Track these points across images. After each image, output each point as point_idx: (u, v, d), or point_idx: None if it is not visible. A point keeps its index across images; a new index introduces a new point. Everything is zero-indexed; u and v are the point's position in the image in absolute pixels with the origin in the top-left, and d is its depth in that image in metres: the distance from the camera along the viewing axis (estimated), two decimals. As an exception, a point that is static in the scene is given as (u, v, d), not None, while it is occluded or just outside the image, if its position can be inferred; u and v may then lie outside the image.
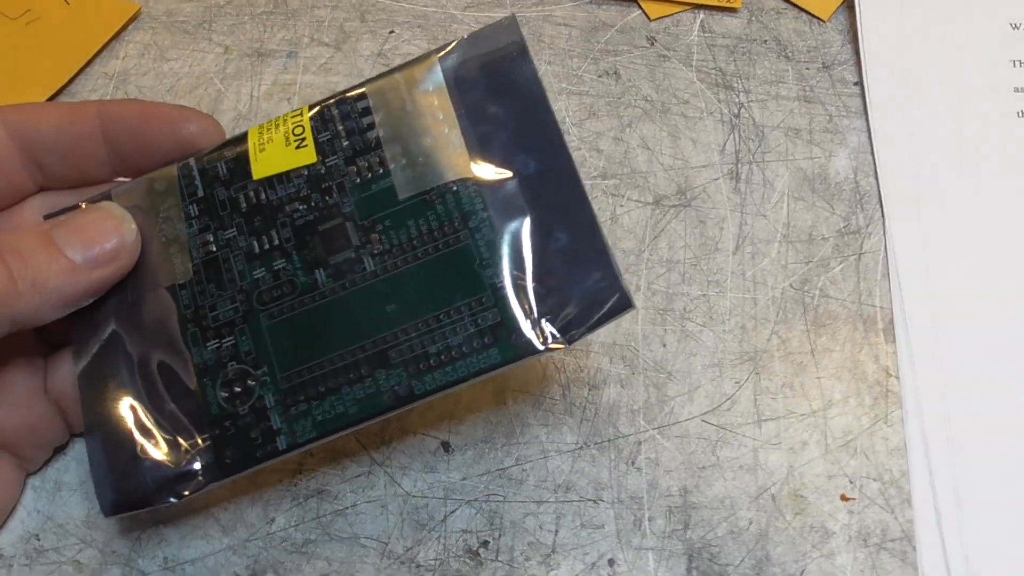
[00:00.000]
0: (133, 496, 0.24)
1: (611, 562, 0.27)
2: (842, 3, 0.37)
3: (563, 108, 0.35)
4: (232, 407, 0.24)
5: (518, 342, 0.23)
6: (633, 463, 0.28)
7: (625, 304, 0.22)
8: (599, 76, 0.36)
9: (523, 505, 0.27)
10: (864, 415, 0.29)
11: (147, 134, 0.26)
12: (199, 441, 0.24)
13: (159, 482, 0.23)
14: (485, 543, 0.27)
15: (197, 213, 0.25)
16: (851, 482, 0.28)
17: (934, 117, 0.34)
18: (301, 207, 0.25)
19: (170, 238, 0.25)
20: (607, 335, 0.30)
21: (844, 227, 0.32)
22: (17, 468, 0.27)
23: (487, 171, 0.24)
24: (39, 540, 0.27)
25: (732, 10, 0.37)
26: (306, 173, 0.25)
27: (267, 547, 0.27)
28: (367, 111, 0.25)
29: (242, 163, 0.26)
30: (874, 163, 0.33)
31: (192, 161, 0.26)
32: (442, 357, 0.23)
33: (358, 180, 0.25)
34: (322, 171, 0.25)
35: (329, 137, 0.25)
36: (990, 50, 0.35)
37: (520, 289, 0.23)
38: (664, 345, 0.30)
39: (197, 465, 0.23)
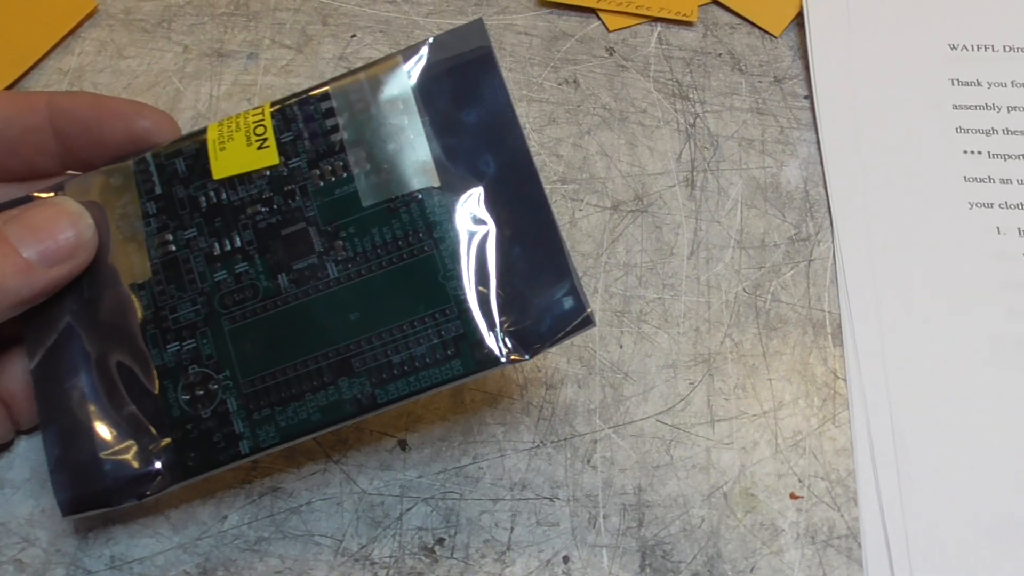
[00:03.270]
0: (93, 495, 0.23)
1: (566, 559, 0.27)
2: (793, 20, 0.38)
3: (524, 114, 0.35)
4: (194, 410, 0.23)
5: (480, 354, 0.23)
6: (589, 462, 0.28)
7: (587, 322, 0.23)
8: (559, 84, 0.36)
9: (479, 503, 0.27)
10: (813, 416, 0.30)
11: (99, 128, 0.25)
12: (160, 443, 0.23)
13: (120, 482, 0.23)
14: (441, 540, 0.27)
15: (155, 211, 0.25)
16: (800, 481, 0.29)
17: (880, 130, 0.35)
18: (263, 209, 0.24)
19: (127, 236, 0.25)
20: (564, 336, 0.30)
21: (795, 234, 0.33)
22: None
23: (452, 181, 0.24)
24: (-19, 539, 0.26)
25: (688, 24, 0.38)
26: (268, 174, 0.25)
27: (219, 545, 0.26)
28: (331, 112, 0.25)
29: (201, 161, 0.25)
30: (823, 173, 0.34)
31: (149, 156, 0.25)
32: (405, 367, 0.23)
33: (321, 184, 0.24)
34: (284, 173, 0.25)
35: (292, 138, 0.25)
36: (932, 69, 0.36)
37: (483, 301, 0.23)
38: (620, 346, 0.31)
39: (158, 466, 0.23)
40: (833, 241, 0.33)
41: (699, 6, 0.38)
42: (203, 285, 0.24)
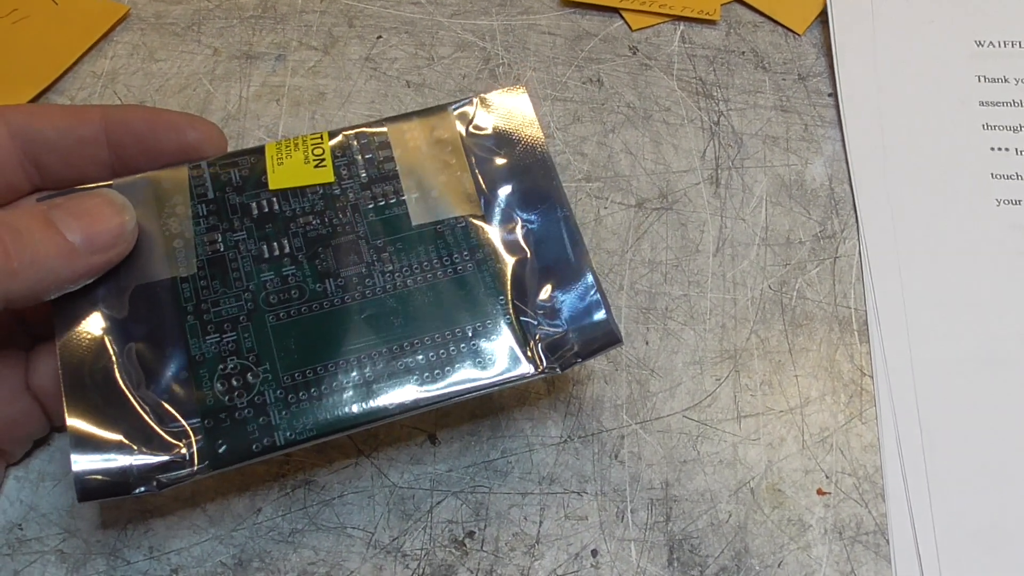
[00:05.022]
0: (112, 483, 0.23)
1: (594, 553, 0.27)
2: (816, 18, 0.38)
3: (548, 113, 0.36)
4: (229, 400, 0.24)
5: (515, 366, 0.24)
6: (616, 457, 0.29)
7: (615, 340, 0.25)
8: (583, 83, 0.36)
9: (508, 497, 0.28)
10: (840, 412, 0.30)
11: (153, 139, 0.26)
12: (189, 431, 0.23)
13: (143, 471, 0.23)
14: (471, 533, 0.27)
15: (205, 213, 0.26)
16: (827, 477, 0.29)
17: (905, 127, 0.35)
18: (315, 221, 0.26)
19: (174, 233, 0.26)
20: (591, 333, 0.31)
21: (820, 231, 0.33)
22: None
23: (494, 212, 0.27)
24: (22, 530, 0.27)
25: (711, 22, 0.38)
26: (321, 191, 0.26)
27: (253, 536, 0.27)
28: (386, 145, 0.27)
29: (256, 172, 0.27)
30: (848, 171, 0.34)
31: (205, 164, 0.27)
32: (443, 372, 0.24)
33: (372, 205, 0.26)
34: (337, 191, 0.26)
35: (347, 162, 0.27)
36: (957, 65, 0.36)
37: (520, 318, 0.25)
38: (647, 343, 0.31)
39: (185, 455, 0.23)
40: (859, 238, 0.33)
41: (722, 4, 0.39)
42: (248, 283, 0.25)
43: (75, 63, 0.37)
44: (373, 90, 0.36)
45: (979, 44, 0.37)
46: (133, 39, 0.37)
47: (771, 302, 0.32)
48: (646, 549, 0.27)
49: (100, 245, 0.24)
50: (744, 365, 0.30)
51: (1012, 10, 0.37)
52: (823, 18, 0.38)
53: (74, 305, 0.25)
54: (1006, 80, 0.36)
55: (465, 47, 0.37)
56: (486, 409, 0.29)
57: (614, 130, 0.35)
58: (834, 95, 0.36)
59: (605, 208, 0.33)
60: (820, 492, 0.28)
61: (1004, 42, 0.37)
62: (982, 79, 0.36)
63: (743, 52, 0.38)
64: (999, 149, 0.34)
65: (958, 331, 0.31)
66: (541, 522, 0.28)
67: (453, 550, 0.27)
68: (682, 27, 0.38)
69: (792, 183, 0.34)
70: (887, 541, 0.28)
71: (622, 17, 0.38)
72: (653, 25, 0.38)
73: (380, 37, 0.38)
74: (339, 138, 0.27)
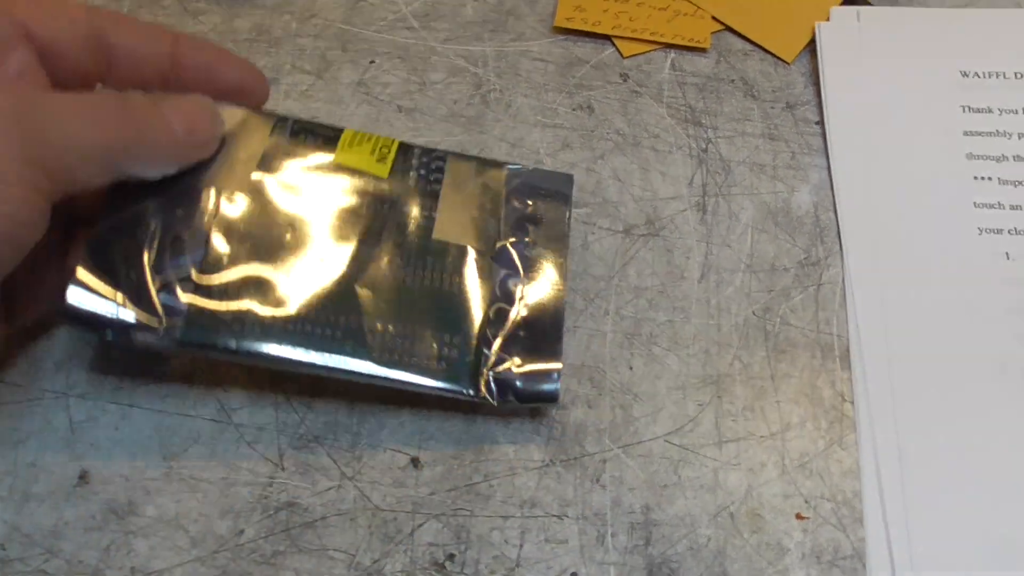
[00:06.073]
0: (94, 316, 0.26)
1: (574, 577, 0.27)
2: (805, 47, 0.39)
3: (538, 139, 0.36)
4: (220, 300, 0.27)
5: (459, 382, 0.28)
6: (598, 481, 0.29)
7: (553, 399, 0.29)
8: (573, 109, 0.37)
9: (489, 520, 0.28)
10: (820, 438, 0.30)
11: (212, 71, 0.29)
12: (175, 311, 0.26)
13: (122, 324, 0.26)
14: (451, 556, 0.27)
15: (272, 157, 0.29)
16: (806, 502, 0.29)
17: (890, 156, 0.35)
18: (355, 197, 0.30)
19: (240, 159, 0.29)
20: (576, 357, 0.31)
21: (805, 258, 0.34)
22: None
23: (503, 259, 0.30)
24: (4, 550, 0.27)
25: (702, 50, 0.39)
26: (374, 180, 0.30)
27: (235, 558, 0.27)
28: (441, 169, 0.31)
29: (326, 144, 0.30)
30: (834, 199, 0.35)
31: (291, 120, 0.30)
32: (402, 359, 0.27)
33: (406, 208, 0.30)
34: (385, 186, 0.30)
35: (404, 169, 0.31)
36: (942, 95, 0.37)
37: (483, 348, 0.28)
38: (631, 368, 0.31)
39: (160, 329, 0.26)
40: (843, 265, 0.33)
41: (712, 33, 0.39)
42: (279, 220, 0.28)
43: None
44: (365, 114, 0.37)
45: (964, 75, 0.37)
46: (130, 61, 0.38)
47: (755, 328, 0.32)
48: (625, 573, 0.27)
49: (196, 141, 0.27)
50: (726, 390, 0.31)
51: (997, 41, 0.38)
52: (812, 47, 0.39)
53: (135, 186, 0.27)
54: (990, 110, 0.36)
55: (457, 72, 0.38)
56: (469, 433, 0.30)
57: (603, 156, 0.36)
58: (821, 123, 0.37)
59: (592, 234, 0.34)
60: (799, 517, 0.29)
61: (989, 73, 0.37)
62: (967, 109, 0.36)
63: (732, 80, 0.38)
64: (982, 178, 0.35)
65: (939, 358, 0.31)
66: (522, 545, 0.28)
67: (434, 572, 0.27)
68: (673, 55, 0.39)
69: (778, 210, 0.35)
70: (864, 566, 0.28)
71: (613, 44, 0.39)
72: (644, 52, 0.39)
73: (373, 62, 0.38)
74: (407, 147, 0.31)
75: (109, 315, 0.26)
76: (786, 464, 0.29)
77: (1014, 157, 0.35)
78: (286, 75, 0.38)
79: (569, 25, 0.39)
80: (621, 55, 0.39)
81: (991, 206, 0.34)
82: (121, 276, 0.26)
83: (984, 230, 0.34)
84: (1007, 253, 0.33)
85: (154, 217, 0.27)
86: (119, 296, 0.26)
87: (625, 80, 0.38)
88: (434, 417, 0.30)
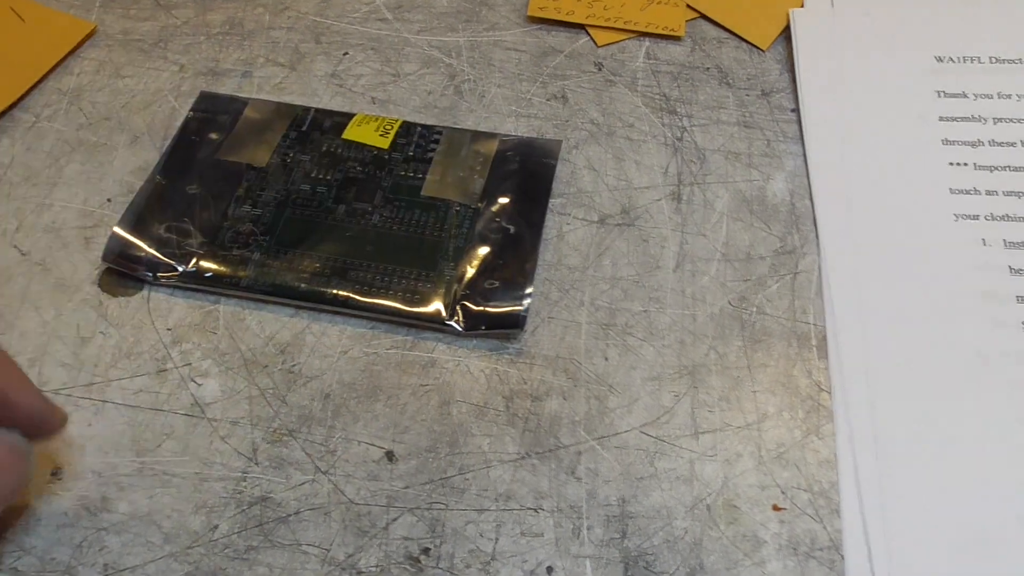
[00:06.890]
0: (129, 257, 0.32)
1: (549, 569, 0.27)
2: (780, 34, 0.39)
3: (512, 129, 0.36)
4: (229, 245, 0.33)
5: (430, 307, 0.31)
6: (573, 473, 0.29)
7: (518, 324, 0.31)
8: (547, 99, 0.37)
9: (464, 513, 0.28)
10: (796, 428, 0.30)
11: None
12: (192, 255, 0.32)
13: (151, 263, 0.32)
14: (426, 550, 0.27)
15: (293, 137, 0.35)
16: (783, 493, 0.29)
17: (866, 143, 0.35)
18: (358, 167, 0.35)
19: (264, 141, 0.35)
20: (551, 348, 0.31)
21: (780, 247, 0.33)
22: None
23: (485, 211, 0.34)
24: (-23, 549, 0.27)
25: (676, 38, 0.39)
26: (375, 152, 0.35)
27: (209, 554, 0.27)
28: (436, 140, 0.35)
29: (339, 127, 0.36)
30: (809, 186, 0.35)
31: (313, 109, 0.36)
32: (379, 290, 0.32)
33: (403, 172, 0.35)
34: (386, 156, 0.35)
35: (404, 142, 0.35)
36: (917, 81, 0.37)
37: (457, 281, 0.32)
38: (606, 359, 0.31)
39: (177, 268, 0.32)
40: (818, 253, 0.33)
41: (687, 21, 0.39)
42: (289, 184, 0.34)
43: (41, 80, 0.37)
44: (338, 106, 0.36)
45: (939, 60, 0.37)
46: (100, 55, 0.37)
47: (730, 318, 0.32)
48: (601, 566, 0.27)
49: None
50: (702, 381, 0.31)
51: (971, 26, 0.38)
52: (787, 34, 0.39)
53: (185, 155, 0.35)
54: (965, 95, 0.36)
55: (431, 63, 0.37)
56: (444, 425, 0.29)
57: (577, 146, 0.35)
58: (796, 111, 0.37)
59: (567, 224, 0.34)
60: (775, 508, 0.29)
61: (964, 57, 0.37)
62: (942, 94, 0.36)
63: (707, 68, 0.38)
64: (958, 164, 0.35)
65: (916, 345, 0.31)
66: (497, 539, 0.28)
67: (408, 567, 0.27)
68: (647, 43, 0.38)
69: (753, 198, 0.35)
70: (841, 556, 0.28)
71: (588, 33, 0.39)
72: (618, 41, 0.38)
73: (346, 54, 0.38)
74: (409, 124, 0.36)
75: (142, 257, 0.32)
76: (763, 455, 0.29)
77: (989, 142, 0.35)
78: (259, 68, 0.37)
79: (542, 14, 0.39)
80: (595, 44, 0.38)
81: (967, 192, 0.34)
82: (151, 230, 0.33)
83: (960, 216, 0.34)
84: (983, 239, 0.33)
85: (188, 176, 0.34)
86: (150, 248, 0.33)
87: (599, 69, 0.38)
88: (408, 410, 0.30)
